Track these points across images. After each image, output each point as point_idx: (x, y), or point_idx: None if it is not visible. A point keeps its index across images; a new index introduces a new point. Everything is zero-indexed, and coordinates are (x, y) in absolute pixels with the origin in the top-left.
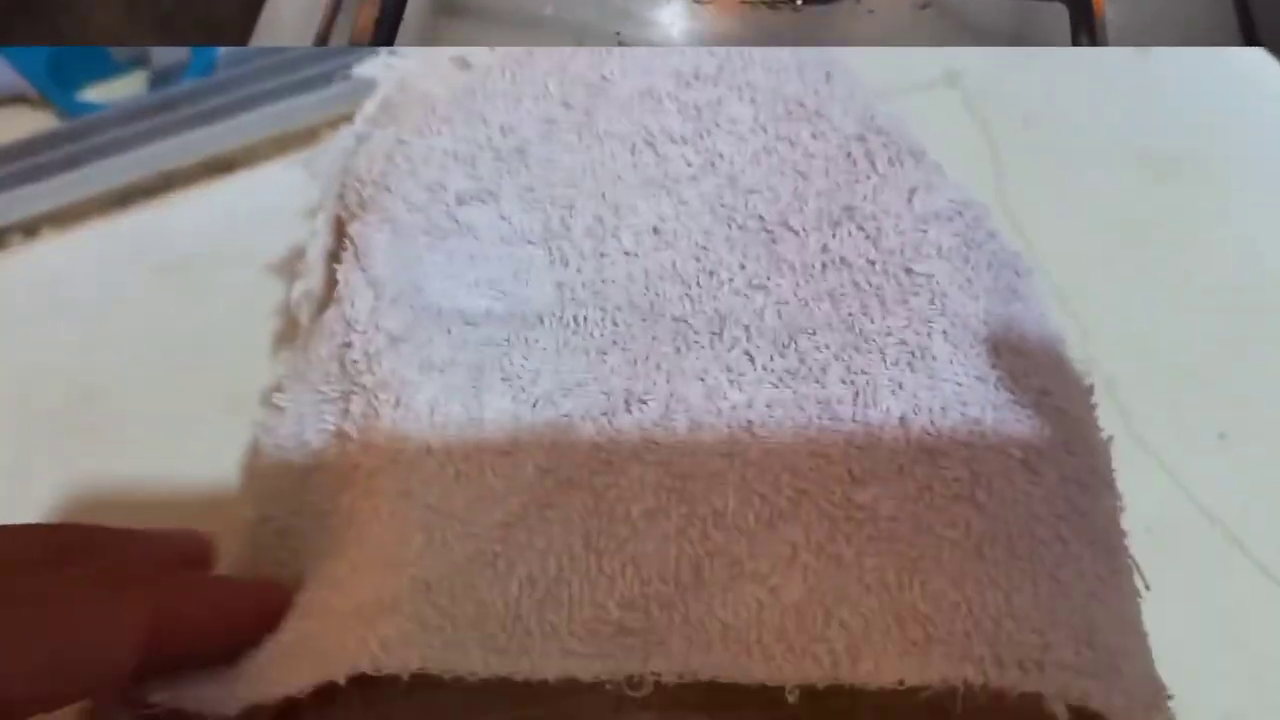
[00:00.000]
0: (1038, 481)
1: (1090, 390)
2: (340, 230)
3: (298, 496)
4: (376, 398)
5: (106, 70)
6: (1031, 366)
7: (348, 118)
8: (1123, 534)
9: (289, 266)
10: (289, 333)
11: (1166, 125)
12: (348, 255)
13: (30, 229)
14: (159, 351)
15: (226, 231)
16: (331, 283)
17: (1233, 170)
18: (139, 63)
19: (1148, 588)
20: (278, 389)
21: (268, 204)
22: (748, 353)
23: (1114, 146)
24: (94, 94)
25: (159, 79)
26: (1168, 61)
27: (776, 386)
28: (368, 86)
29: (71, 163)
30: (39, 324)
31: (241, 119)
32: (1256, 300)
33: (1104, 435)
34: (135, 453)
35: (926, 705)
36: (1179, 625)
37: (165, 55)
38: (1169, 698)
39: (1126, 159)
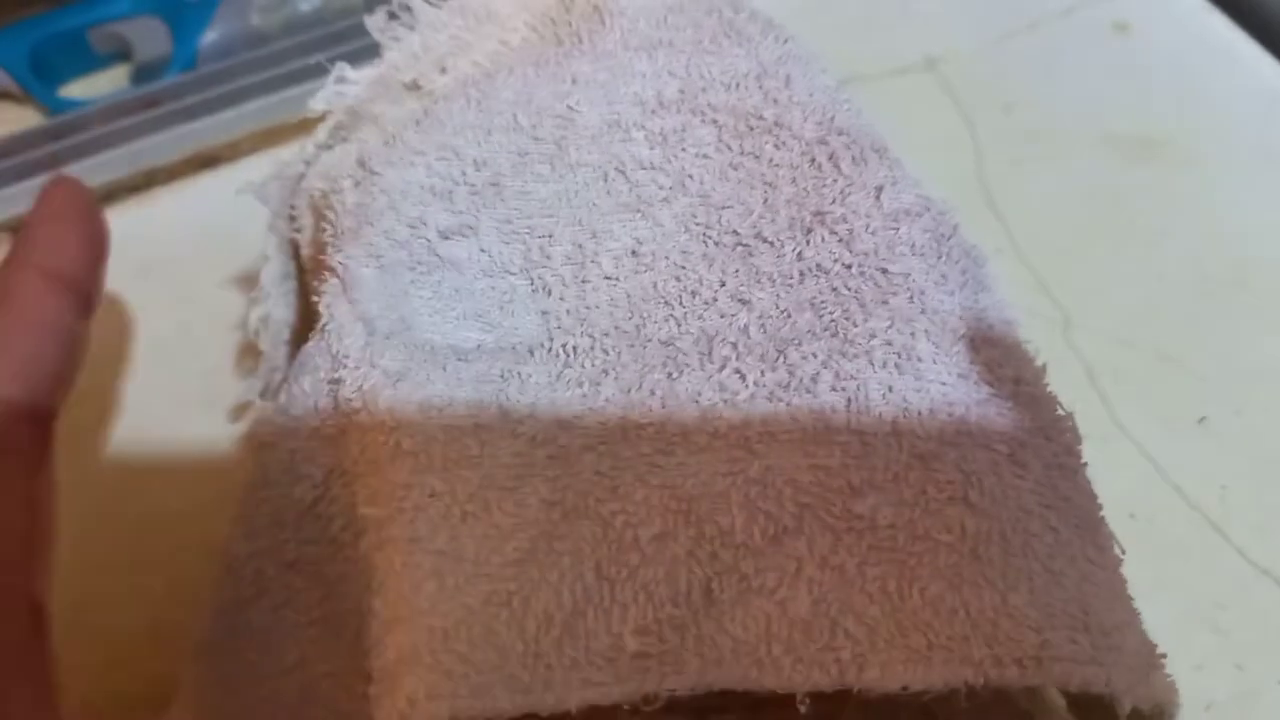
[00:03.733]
0: (1024, 474)
1: (1044, 370)
2: (297, 254)
3: (306, 526)
4: (375, 440)
5: (89, 63)
6: (1003, 355)
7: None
8: (1099, 506)
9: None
10: (249, 353)
11: (1147, 107)
12: (331, 287)
13: (14, 229)
14: (141, 350)
15: (211, 226)
16: (299, 308)
17: (1214, 152)
18: (122, 55)
19: (1124, 552)
20: (260, 422)
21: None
22: (738, 370)
23: (1094, 130)
24: (76, 89)
25: (142, 73)
26: (1148, 41)
27: (770, 401)
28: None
29: (54, 162)
30: None
31: (227, 114)
32: (1236, 283)
33: (1065, 412)
34: (114, 454)
35: (914, 703)
36: (1160, 612)
37: (148, 47)
38: (1162, 656)
39: (1107, 142)
